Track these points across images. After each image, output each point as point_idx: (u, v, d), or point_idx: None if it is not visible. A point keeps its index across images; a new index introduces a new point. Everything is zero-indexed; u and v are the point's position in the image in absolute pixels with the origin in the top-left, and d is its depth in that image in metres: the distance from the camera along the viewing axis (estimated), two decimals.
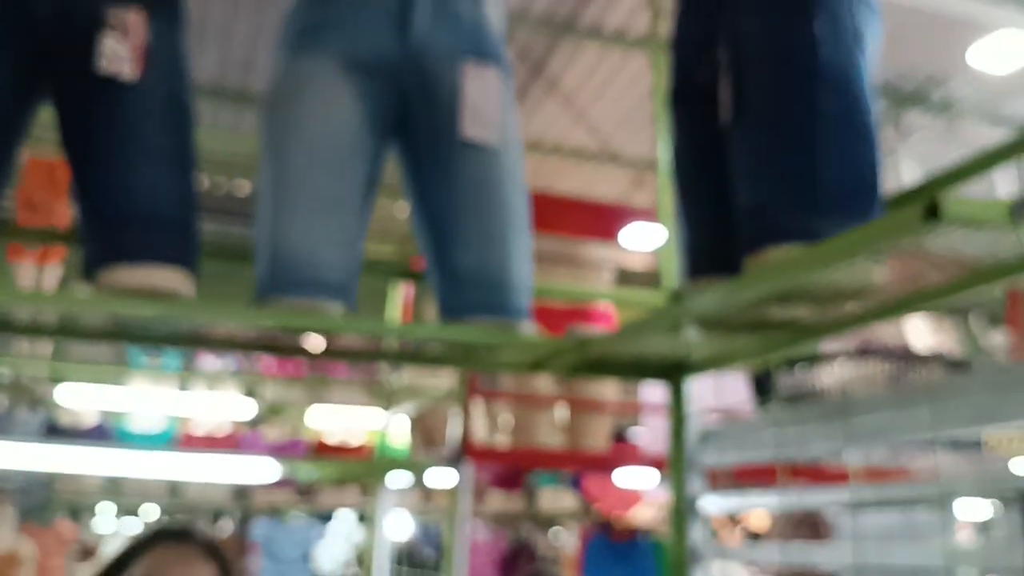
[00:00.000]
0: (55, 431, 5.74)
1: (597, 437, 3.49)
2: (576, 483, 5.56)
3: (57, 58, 1.41)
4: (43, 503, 6.26)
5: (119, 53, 1.40)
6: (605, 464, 3.49)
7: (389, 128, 1.57)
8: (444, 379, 3.14)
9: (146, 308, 1.36)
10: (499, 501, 6.30)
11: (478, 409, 3.06)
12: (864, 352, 1.81)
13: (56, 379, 6.02)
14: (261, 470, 3.03)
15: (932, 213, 0.87)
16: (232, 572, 1.44)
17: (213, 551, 1.42)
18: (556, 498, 5.95)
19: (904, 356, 1.82)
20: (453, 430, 2.83)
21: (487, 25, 1.64)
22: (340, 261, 1.48)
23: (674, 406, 1.83)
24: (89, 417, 5.76)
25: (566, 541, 6.15)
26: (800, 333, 1.42)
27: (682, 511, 1.75)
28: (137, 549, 1.40)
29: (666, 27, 2.17)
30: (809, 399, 1.73)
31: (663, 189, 1.94)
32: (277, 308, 1.44)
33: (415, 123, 1.57)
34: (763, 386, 2.02)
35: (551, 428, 3.59)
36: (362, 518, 11.45)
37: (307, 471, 3.82)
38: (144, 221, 1.37)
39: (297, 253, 1.45)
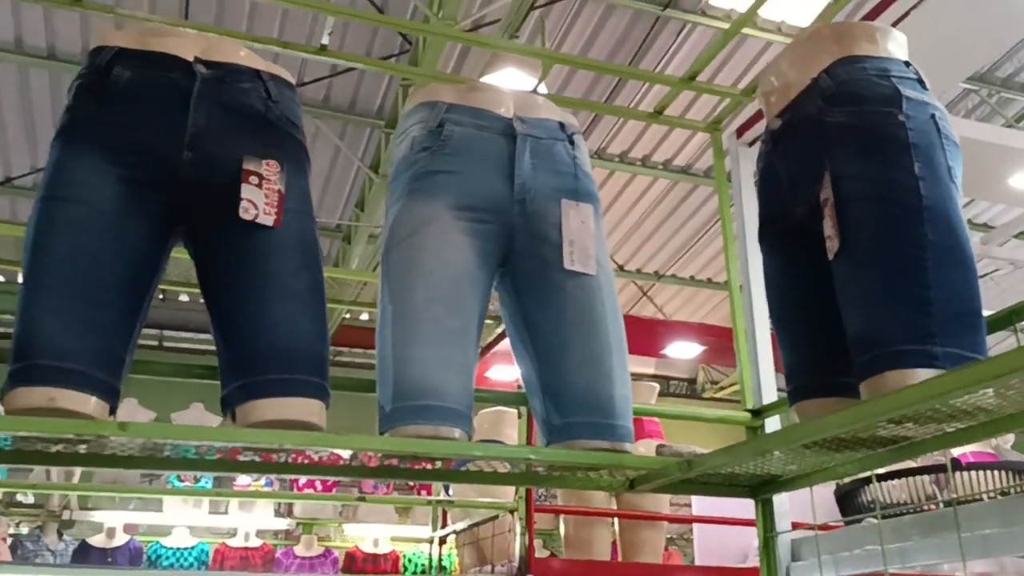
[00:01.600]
0: (87, 549, 5.64)
1: (654, 549, 3.46)
2: None
3: (198, 207, 1.48)
4: None
5: (258, 201, 1.48)
6: (664, 574, 3.45)
7: (497, 263, 1.64)
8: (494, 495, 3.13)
9: (284, 439, 1.39)
10: None
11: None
12: (969, 465, 1.85)
13: (86, 503, 5.94)
14: None
15: None
16: None
17: None
18: None
19: (1010, 467, 1.85)
20: (516, 546, 2.81)
21: (581, 167, 1.74)
22: (459, 389, 1.52)
23: (763, 522, 1.84)
24: (120, 536, 5.66)
25: None
26: (905, 449, 1.45)
27: None
28: None
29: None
30: (904, 511, 1.74)
31: (737, 312, 2.01)
32: (403, 436, 1.47)
33: (521, 257, 1.64)
34: (847, 498, 2.03)
35: (607, 541, 3.55)
36: None
37: None
38: (285, 356, 1.42)
39: (420, 382, 1.49)
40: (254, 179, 1.49)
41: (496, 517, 3.33)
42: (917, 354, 1.26)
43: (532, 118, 1.73)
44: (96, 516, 5.67)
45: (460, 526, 3.72)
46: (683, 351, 4.54)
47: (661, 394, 10.23)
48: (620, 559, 3.51)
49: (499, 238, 1.62)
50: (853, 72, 1.43)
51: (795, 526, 1.85)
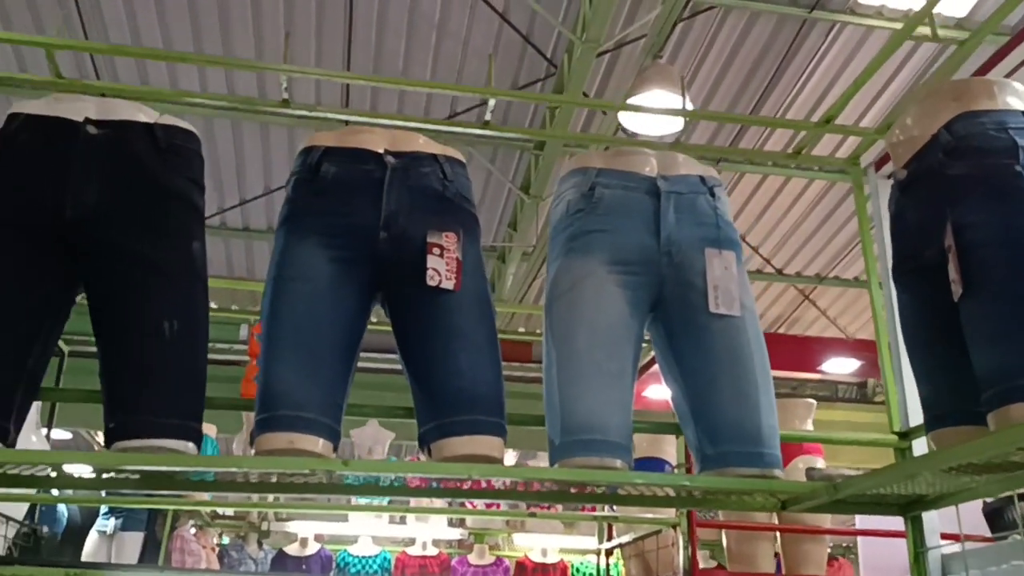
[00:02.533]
0: (283, 558, 6.23)
1: (816, 562, 3.56)
2: None
3: (393, 276, 1.79)
4: None
5: (441, 268, 1.77)
6: None
7: (647, 309, 1.87)
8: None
9: (470, 471, 1.68)
10: None
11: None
12: None
13: (281, 515, 6.55)
14: None
15: None
16: None
17: None
18: None
19: None
20: (680, 559, 3.00)
21: (721, 217, 1.94)
22: (620, 424, 1.75)
23: (913, 539, 1.97)
24: (312, 544, 6.22)
25: None
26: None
27: None
28: None
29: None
30: None
31: (882, 336, 2.13)
32: (572, 466, 1.72)
33: (670, 303, 1.85)
34: (995, 515, 2.12)
35: (769, 554, 3.68)
36: None
37: None
38: (471, 400, 1.70)
39: (586, 420, 1.74)
40: (437, 250, 1.79)
41: (660, 531, 3.54)
42: None
43: (674, 175, 1.94)
44: (290, 527, 6.26)
45: (625, 539, 3.95)
46: (840, 367, 4.58)
47: (829, 399, 10.01)
48: (784, 572, 3.63)
49: (649, 287, 1.85)
50: (971, 127, 1.57)
51: (944, 538, 1.96)
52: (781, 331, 10.19)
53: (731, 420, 1.78)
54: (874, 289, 2.16)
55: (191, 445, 1.65)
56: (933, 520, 1.97)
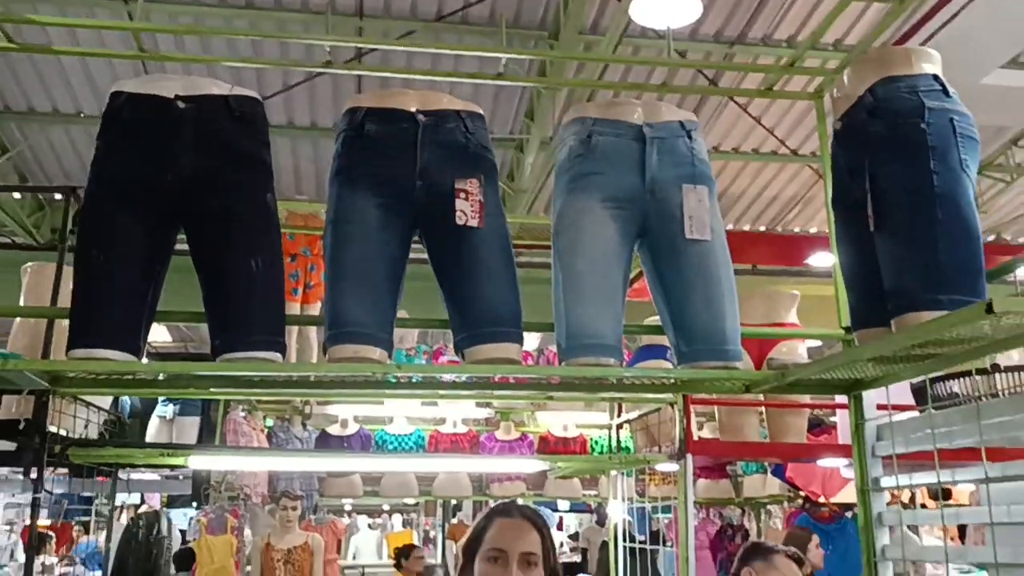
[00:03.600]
0: (326, 437, 6.92)
1: (797, 431, 4.13)
2: (779, 471, 6.08)
3: (428, 218, 2.26)
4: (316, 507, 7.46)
5: (467, 210, 2.24)
6: (807, 452, 4.13)
7: (635, 238, 2.33)
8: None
9: (496, 370, 2.20)
10: (706, 488, 6.97)
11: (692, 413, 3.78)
12: (995, 369, 2.40)
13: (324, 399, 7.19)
14: (526, 465, 3.86)
15: (989, 309, 1.53)
16: (550, 539, 2.18)
17: (538, 522, 2.18)
18: (761, 484, 6.53)
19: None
20: (676, 431, 3.57)
21: (697, 156, 2.37)
22: (613, 331, 2.25)
23: (854, 412, 2.49)
24: (352, 425, 6.90)
25: (772, 522, 6.74)
26: (937, 362, 2.06)
27: (865, 490, 2.42)
28: (484, 524, 2.19)
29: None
30: (954, 404, 2.32)
31: (834, 248, 2.59)
32: (573, 365, 2.24)
33: (653, 232, 2.31)
34: (920, 393, 2.62)
35: (756, 425, 4.26)
36: (572, 509, 12.30)
37: (562, 465, 4.67)
38: (495, 316, 2.20)
39: (585, 328, 2.24)
40: (463, 195, 2.25)
41: (660, 408, 4.10)
42: (928, 301, 1.86)
43: (657, 123, 2.37)
44: (331, 410, 6.94)
45: (633, 415, 4.53)
46: (825, 260, 4.98)
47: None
48: (769, 440, 4.22)
49: (636, 220, 2.31)
50: (890, 91, 1.98)
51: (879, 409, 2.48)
52: (797, 209, 10.58)
53: (701, 324, 2.27)
54: (830, 208, 2.61)
55: (278, 355, 2.17)
56: (871, 397, 2.49)
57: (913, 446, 2.31)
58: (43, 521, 9.27)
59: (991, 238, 10.60)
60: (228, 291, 2.15)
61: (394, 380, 2.44)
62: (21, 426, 3.16)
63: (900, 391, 2.51)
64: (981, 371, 2.56)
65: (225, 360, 2.13)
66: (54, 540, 8.22)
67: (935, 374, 2.29)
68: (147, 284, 2.16)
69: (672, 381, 2.41)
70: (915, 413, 2.55)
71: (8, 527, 8.59)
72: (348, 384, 2.39)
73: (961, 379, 2.50)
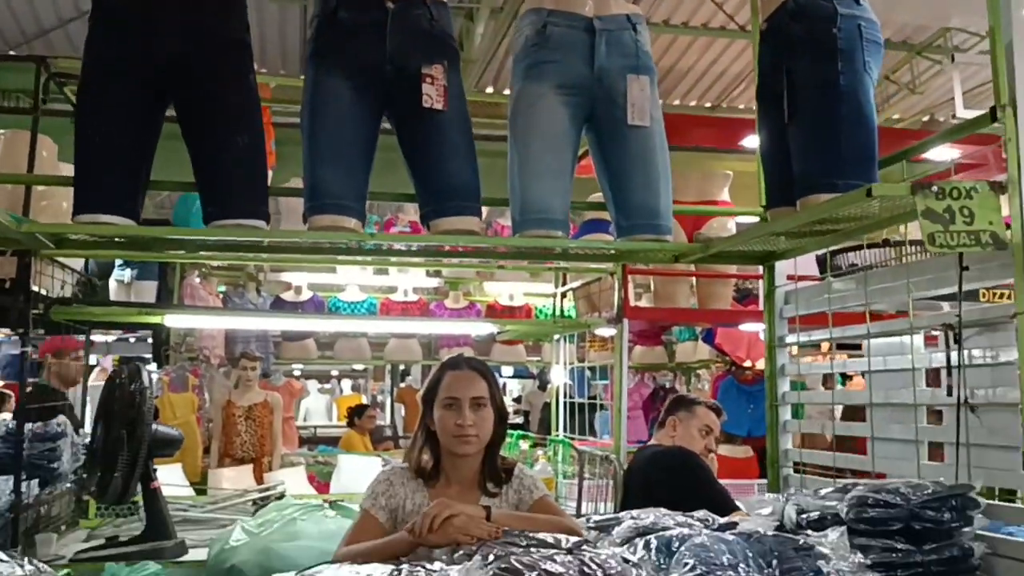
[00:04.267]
0: (280, 303, 7.25)
1: (723, 299, 4.58)
2: (709, 337, 6.60)
3: (397, 99, 2.52)
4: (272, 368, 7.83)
5: (432, 93, 2.51)
6: (730, 317, 4.59)
7: (583, 122, 2.63)
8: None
9: (459, 240, 2.52)
10: (642, 354, 7.52)
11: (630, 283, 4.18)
12: (886, 243, 2.83)
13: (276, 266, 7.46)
14: (475, 328, 4.25)
15: (869, 193, 1.90)
16: (495, 384, 2.56)
17: (483, 370, 2.56)
18: (692, 350, 7.09)
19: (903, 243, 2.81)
20: (615, 298, 3.97)
21: (641, 47, 2.65)
22: (561, 207, 2.58)
23: (767, 280, 2.89)
24: (306, 292, 7.23)
25: (701, 385, 7.35)
26: (837, 236, 2.45)
27: (773, 346, 2.85)
28: (439, 376, 2.56)
29: None
30: (848, 272, 2.73)
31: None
32: (526, 236, 2.57)
33: (599, 117, 2.61)
34: (823, 264, 3.04)
35: (687, 294, 4.69)
36: (516, 375, 12.92)
37: (510, 328, 5.09)
38: (457, 191, 2.51)
39: (537, 204, 2.56)
40: (429, 79, 2.51)
41: (601, 278, 4.50)
42: (827, 185, 2.22)
43: (606, 15, 2.64)
44: (284, 276, 7.24)
45: (575, 284, 4.94)
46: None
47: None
48: (698, 307, 4.67)
49: (585, 106, 2.60)
50: None
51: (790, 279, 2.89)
52: (743, 86, 10.85)
53: (638, 202, 2.61)
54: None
55: (263, 223, 2.46)
56: (782, 267, 2.88)
57: (813, 309, 2.73)
58: None
59: (926, 119, 11.04)
60: (217, 166, 2.41)
61: (373, 247, 2.75)
62: (7, 285, 3.41)
63: (807, 263, 2.90)
64: (873, 244, 2.96)
65: (216, 226, 2.41)
66: (12, 399, 8.50)
67: (835, 247, 2.68)
68: (141, 156, 2.41)
69: (612, 252, 2.77)
70: (817, 282, 2.97)
71: None
72: (325, 250, 2.69)
73: (858, 251, 2.91)
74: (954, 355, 2.06)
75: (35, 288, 3.56)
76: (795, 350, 2.84)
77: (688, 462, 3.41)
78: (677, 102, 10.65)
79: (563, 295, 5.14)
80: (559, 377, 5.37)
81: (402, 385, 10.26)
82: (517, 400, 11.88)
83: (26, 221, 2.40)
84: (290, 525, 3.28)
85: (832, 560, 1.82)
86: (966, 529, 1.91)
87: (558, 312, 5.14)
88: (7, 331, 7.63)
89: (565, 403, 5.13)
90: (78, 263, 4.30)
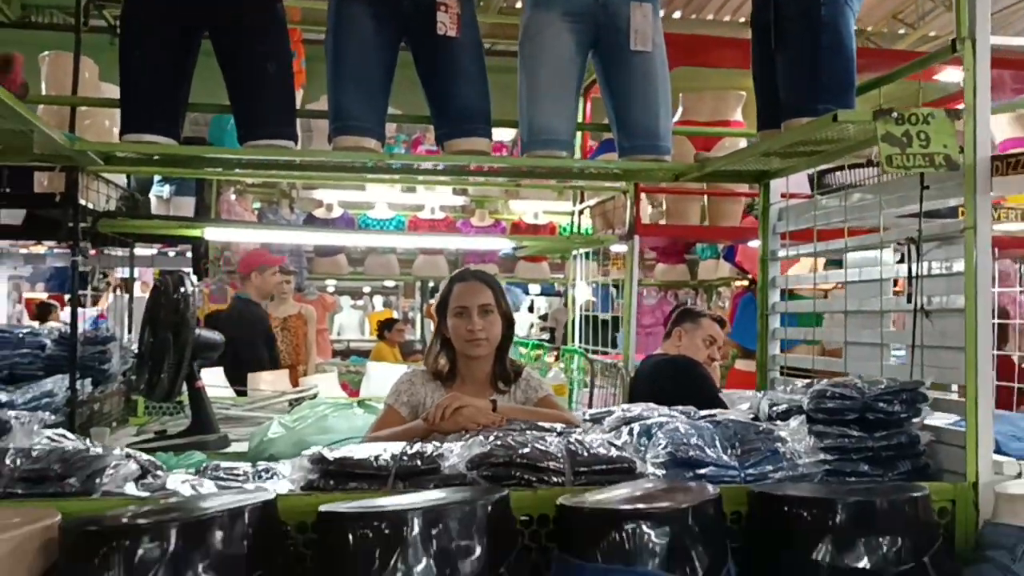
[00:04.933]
0: (312, 220, 7.55)
1: (732, 216, 4.79)
2: (730, 255, 6.80)
3: (413, 28, 2.74)
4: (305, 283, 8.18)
5: (446, 21, 2.72)
6: (740, 234, 4.81)
7: (588, 49, 2.83)
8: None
9: (471, 160, 2.77)
10: (664, 272, 7.76)
11: (643, 200, 4.40)
12: (869, 164, 3.02)
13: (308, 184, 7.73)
14: (494, 243, 4.49)
15: (834, 119, 2.11)
16: (500, 292, 2.84)
17: (489, 280, 2.84)
18: (714, 268, 7.30)
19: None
20: (627, 215, 4.20)
21: None
22: (566, 129, 2.80)
23: (763, 198, 3.11)
24: (337, 210, 7.52)
25: (721, 302, 7.60)
26: (823, 157, 2.66)
27: (765, 259, 3.08)
28: (449, 288, 2.85)
29: None
30: (832, 190, 2.92)
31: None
32: (533, 156, 2.81)
33: (604, 43, 2.81)
34: (811, 181, 3.24)
35: (697, 212, 4.90)
36: (543, 293, 13.22)
37: (529, 244, 5.35)
38: (469, 114, 2.74)
39: (542, 126, 2.78)
40: (443, 7, 2.72)
41: (614, 196, 4.72)
42: (808, 110, 2.42)
43: None
44: (316, 194, 7.53)
45: (592, 202, 5.16)
46: None
47: None
48: (709, 223, 4.88)
49: (590, 32, 2.80)
50: None
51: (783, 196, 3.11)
52: None
53: (639, 124, 2.83)
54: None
55: (291, 142, 2.72)
56: (777, 186, 3.09)
57: (802, 225, 2.95)
58: (42, 294, 10.03)
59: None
60: (248, 91, 2.67)
61: (396, 166, 3.01)
62: (56, 199, 3.71)
63: (801, 182, 3.11)
64: (857, 165, 3.16)
65: (250, 146, 2.68)
66: (59, 308, 8.99)
67: (824, 167, 2.88)
68: (180, 80, 2.67)
69: (615, 170, 3.00)
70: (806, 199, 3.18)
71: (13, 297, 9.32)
72: (350, 169, 2.96)
73: (845, 170, 3.11)
74: (916, 267, 2.29)
75: (82, 202, 3.87)
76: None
77: (690, 370, 3.70)
78: (711, 16, 10.64)
79: (580, 213, 5.38)
80: (581, 293, 5.64)
81: (431, 301, 10.60)
82: (543, 318, 12.18)
83: (77, 139, 2.68)
84: (322, 421, 3.63)
85: (789, 443, 2.10)
86: (915, 420, 2.17)
87: (576, 229, 5.39)
88: (52, 243, 8.06)
89: (583, 316, 5.41)
90: (121, 179, 4.60)
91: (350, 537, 1.54)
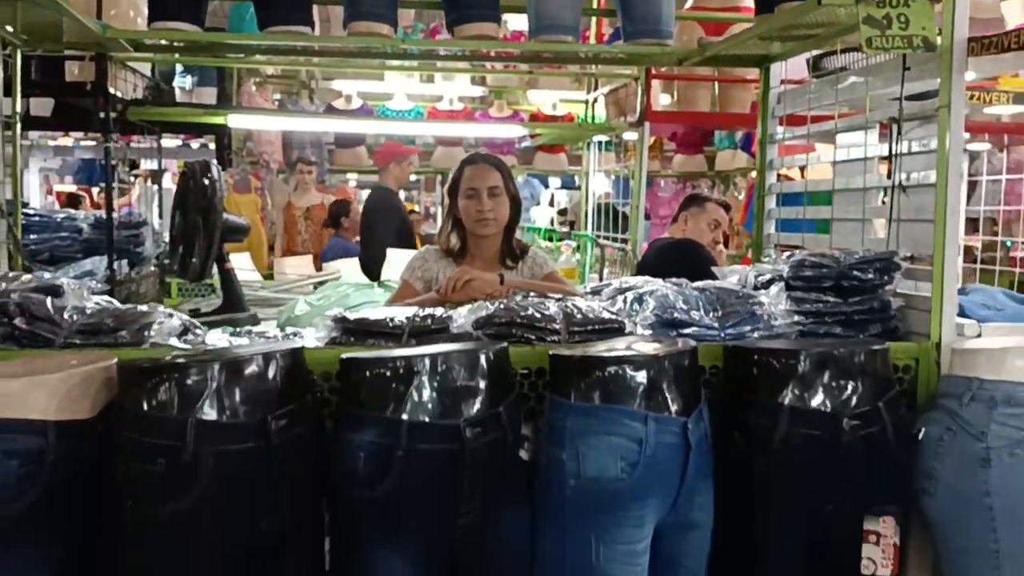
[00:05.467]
0: (331, 111, 7.70)
1: (741, 103, 4.89)
2: (747, 145, 6.89)
3: None
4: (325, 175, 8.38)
5: None
6: (749, 121, 4.92)
7: None
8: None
9: (480, 45, 2.93)
10: (682, 163, 7.88)
11: (655, 87, 4.51)
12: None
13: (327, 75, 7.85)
14: (508, 130, 4.63)
15: (819, 2, 2.25)
16: (509, 175, 3.03)
17: (497, 163, 3.03)
18: (731, 158, 7.41)
19: None
20: (638, 102, 4.33)
21: None
22: (572, 15, 2.94)
23: (763, 82, 3.24)
24: (356, 101, 7.66)
25: (737, 192, 7.73)
26: (816, 41, 2.79)
27: (764, 141, 3.24)
28: (459, 172, 3.03)
29: None
30: (826, 74, 3.04)
31: None
32: (542, 40, 2.96)
33: None
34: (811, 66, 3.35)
35: (708, 99, 5.01)
36: (563, 186, 13.37)
37: (541, 131, 5.50)
38: (477, 1, 2.89)
39: (547, 12, 2.92)
40: None
41: (627, 84, 4.83)
42: None
43: None
44: (335, 84, 7.66)
45: (604, 90, 5.28)
46: None
47: None
48: (719, 111, 5.00)
49: None
50: None
51: (783, 82, 3.24)
52: None
53: (641, 9, 2.96)
54: None
55: (308, 28, 2.89)
56: (776, 70, 3.22)
57: (798, 109, 3.09)
58: (71, 187, 10.32)
59: None
60: None
61: (411, 51, 3.18)
62: (88, 88, 3.90)
63: (800, 66, 3.23)
64: (850, 48, 3.25)
65: (270, 31, 2.85)
66: (87, 199, 9.29)
67: (817, 52, 3.00)
68: None
69: (620, 55, 3.15)
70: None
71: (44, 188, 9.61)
72: (363, 55, 3.13)
73: (838, 55, 3.22)
74: (896, 146, 2.45)
75: (112, 91, 4.06)
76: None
77: (693, 253, 3.90)
78: None
79: (594, 101, 5.50)
80: (596, 183, 5.81)
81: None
82: (563, 212, 12.35)
83: (108, 27, 2.86)
84: (344, 299, 3.89)
85: (767, 306, 2.32)
86: (888, 287, 2.37)
87: (590, 118, 5.52)
88: (79, 135, 8.29)
89: (597, 206, 5.59)
90: (146, 70, 4.77)
91: (368, 374, 1.79)
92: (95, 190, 10.41)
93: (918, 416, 2.14)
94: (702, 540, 1.97)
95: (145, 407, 1.65)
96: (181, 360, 1.72)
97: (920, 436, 2.07)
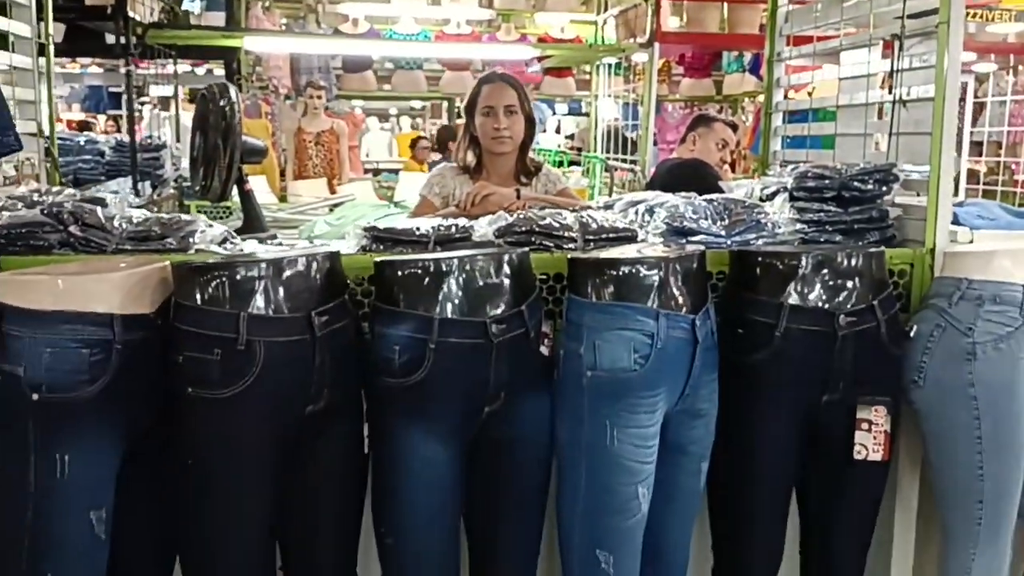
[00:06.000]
0: (338, 36, 7.75)
1: (750, 24, 4.97)
2: (756, 68, 6.97)
3: None
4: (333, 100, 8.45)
5: None
6: (757, 42, 5.00)
7: None
8: None
9: None
10: (691, 87, 7.94)
11: (665, 8, 4.59)
12: None
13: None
14: (516, 52, 4.72)
15: None
16: (524, 94, 3.14)
17: (513, 83, 3.15)
18: (739, 82, 7.48)
19: None
20: (648, 23, 4.41)
21: None
22: None
23: (771, 0, 3.34)
24: (363, 24, 7.71)
25: (744, 116, 7.81)
26: None
27: (771, 60, 3.35)
28: (477, 90, 3.15)
29: None
30: None
31: None
32: None
33: None
34: None
35: (717, 20, 5.08)
36: (569, 112, 13.42)
37: (549, 52, 5.58)
38: None
39: None
40: None
41: (638, 4, 4.89)
42: None
43: None
44: (342, 8, 7.69)
45: (614, 11, 5.34)
46: None
47: None
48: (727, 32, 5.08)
49: None
50: None
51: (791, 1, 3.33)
52: None
53: None
54: None
55: None
56: None
57: (805, 27, 3.20)
58: (79, 115, 10.41)
59: None
60: None
61: None
62: (109, 11, 4.01)
63: None
64: None
65: None
66: (97, 127, 9.39)
67: None
68: None
69: None
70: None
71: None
72: None
73: None
74: (897, 62, 2.58)
75: (130, 13, 4.16)
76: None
77: (701, 171, 4.04)
78: None
79: (604, 23, 5.56)
80: (605, 107, 5.91)
81: (459, 121, 10.85)
82: (570, 138, 12.41)
83: None
84: (362, 219, 4.04)
85: (771, 215, 2.48)
86: (886, 197, 2.52)
87: (599, 40, 5.58)
88: (87, 61, 8.35)
89: (606, 129, 5.70)
90: None
91: (401, 274, 1.96)
92: (101, 118, 10.51)
93: (911, 315, 2.31)
94: (707, 428, 2.16)
95: (199, 302, 1.82)
96: (232, 260, 1.88)
97: (912, 333, 2.24)
